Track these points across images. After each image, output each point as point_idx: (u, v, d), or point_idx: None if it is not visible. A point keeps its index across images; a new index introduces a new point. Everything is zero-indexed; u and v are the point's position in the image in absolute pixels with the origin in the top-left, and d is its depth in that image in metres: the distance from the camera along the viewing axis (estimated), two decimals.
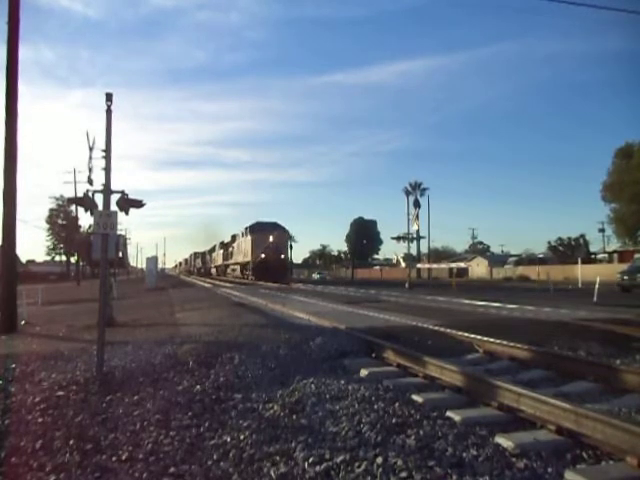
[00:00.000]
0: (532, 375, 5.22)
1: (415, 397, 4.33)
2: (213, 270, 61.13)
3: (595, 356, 6.14)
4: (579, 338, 7.00)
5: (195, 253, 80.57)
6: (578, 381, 4.87)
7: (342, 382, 4.82)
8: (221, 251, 54.85)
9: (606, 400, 4.28)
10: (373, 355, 6.24)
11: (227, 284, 29.60)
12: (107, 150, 6.02)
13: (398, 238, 36.68)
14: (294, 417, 3.93)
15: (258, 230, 36.23)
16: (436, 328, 7.69)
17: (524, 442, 3.20)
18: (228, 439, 3.51)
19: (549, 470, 2.88)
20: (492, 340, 6.47)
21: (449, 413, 3.83)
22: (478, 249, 72.50)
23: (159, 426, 3.81)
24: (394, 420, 3.72)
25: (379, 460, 3.00)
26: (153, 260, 33.73)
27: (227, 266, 50.26)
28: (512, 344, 6.16)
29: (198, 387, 4.84)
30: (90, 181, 6.35)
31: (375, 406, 4.07)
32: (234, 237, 46.44)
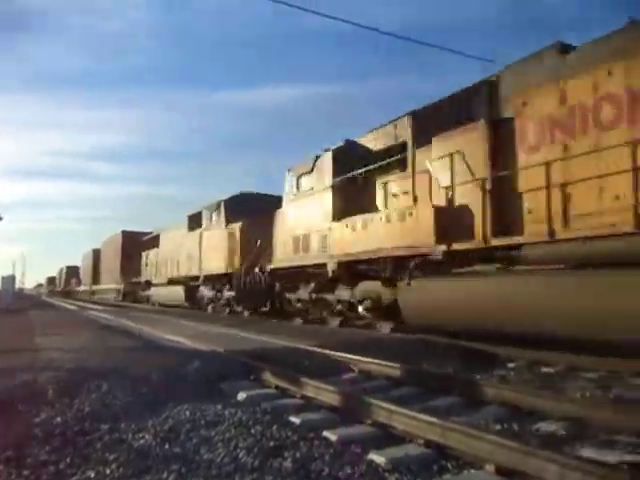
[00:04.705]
0: (404, 392, 5.47)
1: (292, 418, 4.33)
2: (115, 292, 36.43)
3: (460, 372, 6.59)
4: None
5: (67, 267, 61.55)
6: (445, 396, 5.20)
7: (219, 407, 4.68)
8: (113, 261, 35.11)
9: (467, 413, 4.60)
10: (252, 378, 6.16)
11: (97, 306, 27.60)
12: None
13: None
14: (167, 446, 3.72)
15: (241, 207, 18.23)
16: (313, 349, 7.80)
17: (396, 457, 3.32)
18: (92, 474, 3.22)
19: None
20: (367, 360, 6.71)
21: (326, 433, 3.88)
22: None
23: (9, 465, 3.39)
24: (271, 443, 3.68)
25: None
26: (9, 279, 30.49)
27: (144, 285, 29.12)
28: (385, 363, 6.43)
29: (59, 419, 4.41)
30: None
31: (252, 430, 3.99)
32: (171, 230, 25.53)
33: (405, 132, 10.22)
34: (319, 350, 7.68)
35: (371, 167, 10.91)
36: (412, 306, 9.19)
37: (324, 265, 11.88)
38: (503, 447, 3.14)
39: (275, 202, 16.51)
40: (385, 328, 10.61)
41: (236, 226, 18.03)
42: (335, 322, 12.47)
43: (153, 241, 28.80)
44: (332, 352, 7.40)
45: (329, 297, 12.48)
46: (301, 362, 6.99)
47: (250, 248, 16.45)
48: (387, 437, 3.87)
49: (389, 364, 6.37)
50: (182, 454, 3.55)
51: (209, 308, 20.69)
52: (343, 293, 11.85)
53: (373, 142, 11.49)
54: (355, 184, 11.55)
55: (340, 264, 11.38)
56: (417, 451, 3.50)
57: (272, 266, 14.71)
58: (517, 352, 7.46)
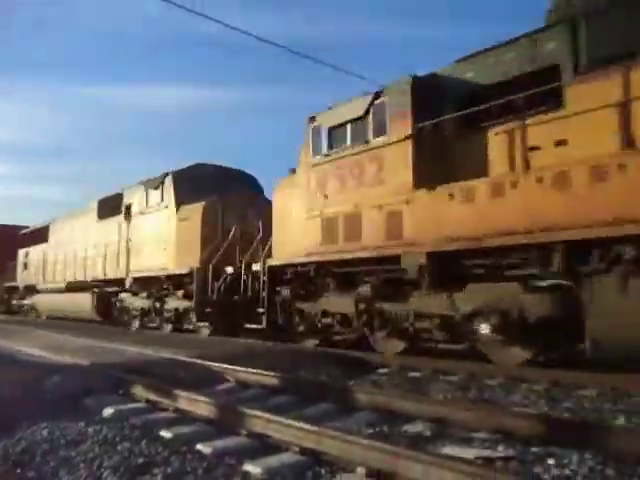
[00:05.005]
0: (281, 400, 5.48)
1: (164, 433, 4.13)
2: None
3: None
4: None
5: None
6: (320, 403, 5.29)
7: (82, 424, 4.34)
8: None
9: (341, 419, 4.72)
10: (120, 392, 5.79)
11: None
12: None
13: None
14: (18, 471, 3.36)
15: (198, 184, 13.67)
16: (191, 360, 7.55)
17: (271, 466, 3.31)
18: None
19: None
20: (243, 369, 6.64)
21: (199, 446, 3.75)
22: None
23: None
24: (140, 460, 3.47)
25: None
26: None
27: (23, 292, 23.62)
28: (262, 372, 6.40)
29: None
30: None
31: (119, 447, 3.75)
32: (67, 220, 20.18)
33: (558, 50, 6.67)
34: (198, 361, 7.45)
35: (482, 107, 7.18)
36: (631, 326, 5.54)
37: (393, 259, 7.80)
38: (373, 450, 3.26)
39: (250, 178, 13.95)
40: (517, 355, 7.02)
41: (194, 208, 13.12)
42: (395, 347, 8.43)
43: (38, 235, 22.61)
44: (209, 363, 7.21)
45: (398, 309, 8.11)
46: (176, 374, 6.72)
47: (217, 238, 12.53)
48: (263, 447, 3.83)
49: (265, 373, 6.35)
50: (37, 479, 3.22)
51: (135, 324, 15.57)
52: (432, 302, 7.59)
53: (479, 74, 7.59)
54: (445, 135, 7.81)
55: (431, 256, 7.40)
56: (293, 459, 3.51)
57: (275, 263, 10.15)
58: (388, 358, 7.85)
